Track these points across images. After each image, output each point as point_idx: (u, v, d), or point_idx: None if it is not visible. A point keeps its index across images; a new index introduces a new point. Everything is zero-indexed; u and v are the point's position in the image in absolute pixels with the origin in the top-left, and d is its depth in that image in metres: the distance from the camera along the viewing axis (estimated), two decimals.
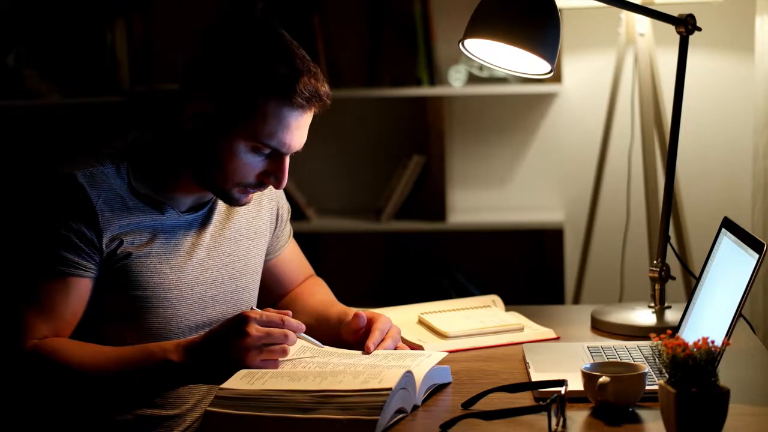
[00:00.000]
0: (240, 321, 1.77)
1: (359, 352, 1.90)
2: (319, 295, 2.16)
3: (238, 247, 2.00)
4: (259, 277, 2.06)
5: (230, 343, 1.76)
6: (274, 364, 1.78)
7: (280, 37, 1.86)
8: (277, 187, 1.90)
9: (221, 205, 1.99)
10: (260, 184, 1.89)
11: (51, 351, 1.79)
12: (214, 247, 1.96)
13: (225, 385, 1.69)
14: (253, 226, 2.03)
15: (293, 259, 2.18)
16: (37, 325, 1.80)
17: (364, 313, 1.99)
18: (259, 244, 2.05)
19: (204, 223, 1.95)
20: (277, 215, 2.11)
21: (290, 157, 1.91)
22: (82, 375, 1.79)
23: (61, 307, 1.82)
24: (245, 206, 2.01)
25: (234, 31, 1.86)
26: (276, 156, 1.86)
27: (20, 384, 1.83)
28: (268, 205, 2.08)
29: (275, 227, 2.11)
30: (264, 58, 1.82)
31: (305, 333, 1.86)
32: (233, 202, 1.91)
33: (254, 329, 1.76)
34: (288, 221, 2.16)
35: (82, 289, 1.84)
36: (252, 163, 1.86)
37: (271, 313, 1.79)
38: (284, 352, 1.78)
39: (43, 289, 1.81)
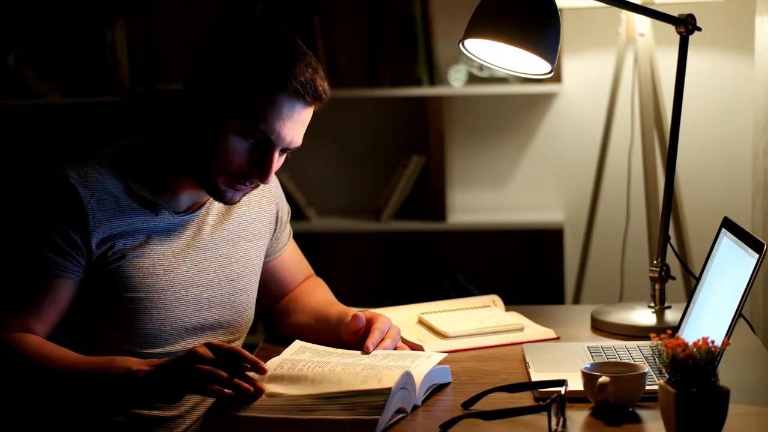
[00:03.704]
0: (188, 357, 1.69)
1: (358, 353, 1.90)
2: (318, 295, 2.16)
3: (235, 248, 1.99)
4: (257, 279, 2.06)
5: (183, 374, 1.69)
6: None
7: (284, 32, 1.86)
8: (261, 180, 1.86)
9: (218, 207, 1.98)
10: (245, 176, 1.85)
11: (16, 343, 1.78)
12: (209, 248, 1.95)
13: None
14: (251, 228, 2.03)
15: (293, 260, 2.18)
16: (8, 320, 1.80)
17: (364, 313, 1.99)
18: (257, 246, 2.04)
19: (200, 224, 1.95)
20: (277, 217, 2.11)
21: (290, 158, 1.91)
22: (42, 369, 1.77)
23: (37, 305, 1.81)
24: (244, 207, 2.00)
25: (235, 30, 1.86)
26: (264, 146, 1.84)
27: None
28: (268, 207, 2.07)
29: (275, 229, 2.10)
30: (264, 46, 1.83)
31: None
32: (220, 196, 1.88)
33: (199, 367, 1.67)
34: (288, 222, 2.15)
35: (63, 290, 1.83)
36: (239, 149, 1.83)
37: (220, 350, 1.69)
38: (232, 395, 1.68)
39: (23, 287, 1.81)
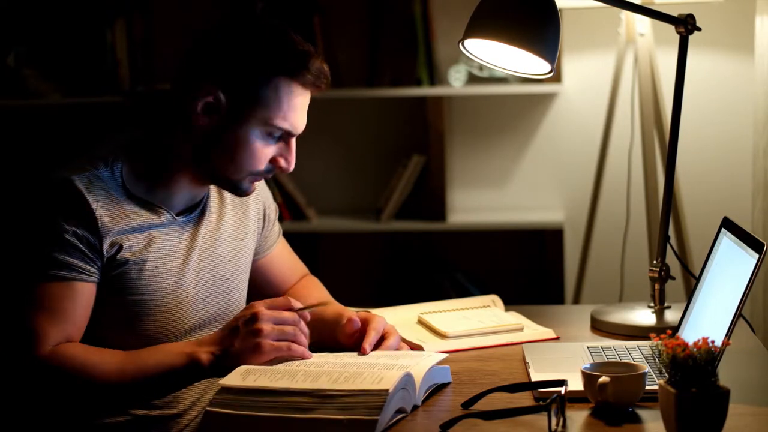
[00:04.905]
0: (252, 319, 1.79)
1: (355, 354, 1.89)
2: (314, 294, 2.16)
3: (228, 248, 2.00)
4: (247, 277, 2.07)
5: (245, 340, 1.78)
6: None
7: (282, 25, 1.89)
8: (287, 169, 1.91)
9: (212, 206, 1.99)
10: (269, 170, 1.91)
11: (69, 357, 1.78)
12: (206, 248, 1.96)
13: (221, 381, 1.70)
14: (241, 227, 2.04)
15: (283, 259, 2.18)
16: (49, 331, 1.78)
17: (358, 314, 1.99)
18: (248, 244, 2.05)
19: (197, 225, 1.95)
20: (265, 215, 2.11)
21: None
22: (103, 380, 1.78)
23: (71, 311, 1.80)
24: (233, 207, 2.02)
25: (236, 23, 1.88)
26: (285, 138, 1.89)
27: (35, 390, 1.81)
28: (255, 206, 2.08)
29: (263, 227, 2.11)
30: (272, 39, 1.86)
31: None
32: (242, 192, 1.93)
33: (267, 326, 1.78)
34: (276, 221, 2.16)
35: (87, 293, 1.83)
36: (264, 149, 1.88)
37: (282, 312, 1.81)
38: (293, 350, 1.80)
39: (51, 294, 1.79)
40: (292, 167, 1.92)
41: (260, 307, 1.81)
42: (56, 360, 1.77)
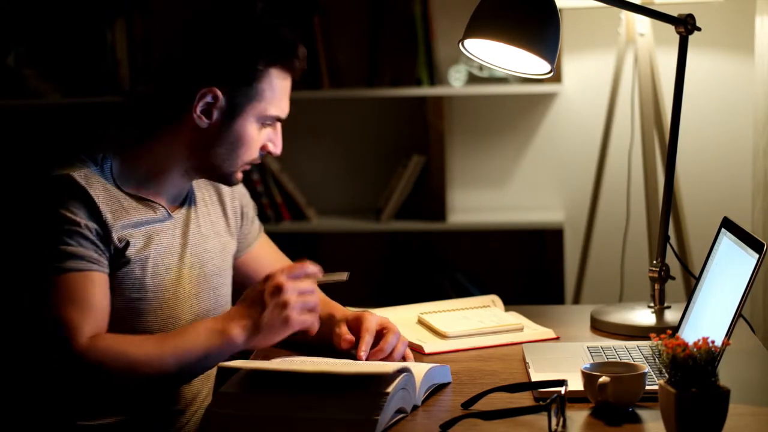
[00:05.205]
0: (277, 290, 1.80)
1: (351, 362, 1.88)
2: None
3: (214, 243, 2.02)
4: (231, 273, 2.08)
5: (273, 313, 1.79)
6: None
7: (267, 16, 1.93)
8: (275, 152, 1.96)
9: (197, 202, 2.00)
10: (260, 156, 1.96)
11: (106, 348, 1.76)
12: (196, 244, 1.98)
13: (222, 363, 1.71)
14: (222, 223, 2.06)
15: (267, 256, 2.17)
16: (82, 322, 1.76)
17: (347, 318, 1.98)
18: (230, 241, 2.07)
19: (187, 220, 1.97)
20: (242, 213, 2.12)
21: (289, 158, 1.96)
22: (143, 369, 1.77)
23: (96, 301, 1.79)
24: (213, 205, 2.04)
25: (223, 21, 1.90)
26: (274, 125, 1.95)
27: (78, 383, 1.80)
28: (231, 204, 2.10)
29: (241, 225, 2.12)
30: (262, 33, 1.89)
31: None
32: (234, 182, 1.97)
33: (293, 297, 1.80)
34: (255, 218, 2.17)
35: (105, 283, 1.83)
36: (258, 138, 1.93)
37: (302, 282, 1.83)
38: (314, 327, 1.84)
39: (73, 286, 1.78)
40: (280, 150, 1.97)
41: (282, 277, 1.81)
42: (96, 352, 1.76)
